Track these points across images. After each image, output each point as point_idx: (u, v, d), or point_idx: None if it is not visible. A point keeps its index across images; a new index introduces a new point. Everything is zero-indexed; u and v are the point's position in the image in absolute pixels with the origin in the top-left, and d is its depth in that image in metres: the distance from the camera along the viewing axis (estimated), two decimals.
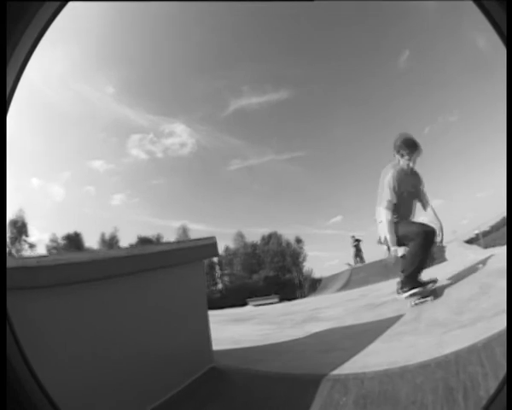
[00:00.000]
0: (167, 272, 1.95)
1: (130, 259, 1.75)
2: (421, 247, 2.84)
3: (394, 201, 3.07)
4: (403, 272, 2.91)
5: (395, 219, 3.06)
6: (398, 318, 2.36)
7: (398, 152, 3.11)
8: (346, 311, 3.24)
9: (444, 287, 2.72)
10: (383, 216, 3.08)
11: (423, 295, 2.75)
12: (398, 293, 2.88)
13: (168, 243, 2.10)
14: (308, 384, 1.66)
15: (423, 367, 1.41)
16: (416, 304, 2.67)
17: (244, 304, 5.67)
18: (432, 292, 2.81)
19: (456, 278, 2.87)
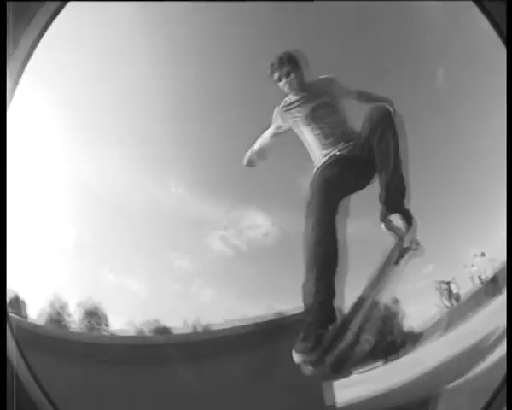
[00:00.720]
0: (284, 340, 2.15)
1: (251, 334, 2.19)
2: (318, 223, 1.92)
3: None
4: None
5: (329, 154, 2.32)
6: None
7: (279, 81, 2.44)
8: (451, 349, 3.32)
9: None
10: None
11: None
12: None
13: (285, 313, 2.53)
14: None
15: None
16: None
17: (349, 374, 5.49)
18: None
19: None
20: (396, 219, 2.06)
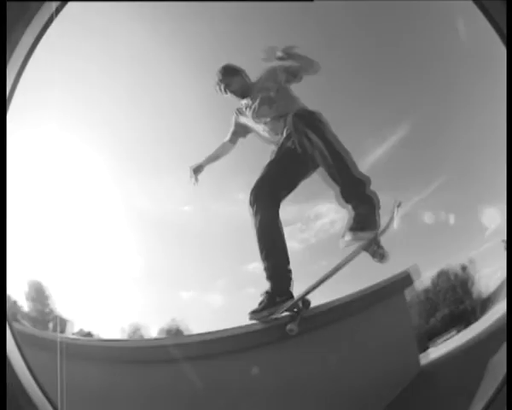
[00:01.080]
0: (375, 308, 2.58)
1: (346, 305, 2.51)
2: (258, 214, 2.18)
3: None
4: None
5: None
6: None
7: (225, 93, 2.55)
8: None
9: None
10: None
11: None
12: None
13: (375, 285, 2.67)
14: None
15: None
16: None
17: (426, 349, 5.77)
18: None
19: None
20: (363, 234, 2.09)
